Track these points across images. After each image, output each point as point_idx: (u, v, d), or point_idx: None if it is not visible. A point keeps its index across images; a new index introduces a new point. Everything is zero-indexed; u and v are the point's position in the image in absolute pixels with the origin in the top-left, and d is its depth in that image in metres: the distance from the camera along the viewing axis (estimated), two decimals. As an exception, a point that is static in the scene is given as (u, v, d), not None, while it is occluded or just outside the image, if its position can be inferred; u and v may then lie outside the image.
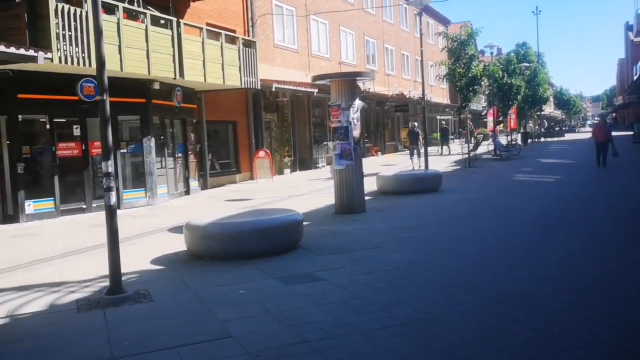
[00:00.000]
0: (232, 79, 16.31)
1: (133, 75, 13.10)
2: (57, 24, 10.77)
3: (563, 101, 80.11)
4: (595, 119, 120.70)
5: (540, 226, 8.94)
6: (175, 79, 14.11)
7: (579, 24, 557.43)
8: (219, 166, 19.83)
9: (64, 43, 10.90)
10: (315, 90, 21.77)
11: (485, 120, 50.14)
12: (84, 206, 13.10)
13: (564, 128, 73.80)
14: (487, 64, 26.47)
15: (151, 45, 13.10)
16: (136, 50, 12.74)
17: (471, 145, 23.30)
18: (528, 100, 38.64)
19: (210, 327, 4.87)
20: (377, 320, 4.76)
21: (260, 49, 20.23)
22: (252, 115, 20.86)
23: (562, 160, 24.00)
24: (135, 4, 13.85)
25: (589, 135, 29.61)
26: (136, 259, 7.96)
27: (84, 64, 11.30)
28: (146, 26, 13.04)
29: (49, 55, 10.30)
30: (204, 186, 17.88)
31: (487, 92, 34.86)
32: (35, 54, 9.93)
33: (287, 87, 20.72)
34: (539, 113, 49.34)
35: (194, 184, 16.96)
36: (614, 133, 19.69)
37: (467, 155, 22.40)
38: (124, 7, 12.57)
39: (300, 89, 21.54)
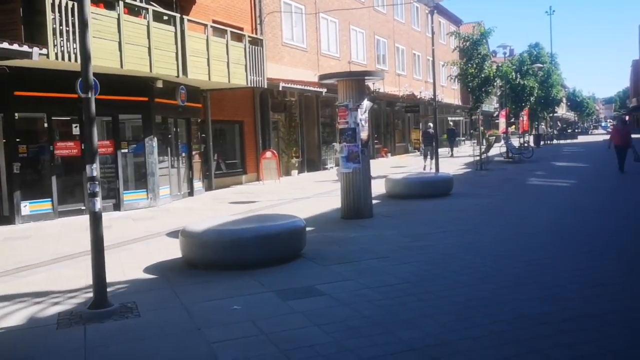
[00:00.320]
0: (238, 77, 15.87)
1: (134, 73, 12.70)
2: (54, 19, 10.37)
3: (576, 103, 79.19)
4: (608, 121, 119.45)
5: (558, 236, 8.41)
6: (178, 77, 13.68)
7: (592, 25, 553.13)
8: (225, 166, 19.42)
9: (61, 39, 10.50)
10: (324, 90, 21.29)
11: (497, 121, 49.46)
12: (83, 207, 12.68)
13: (576, 130, 72.79)
14: (500, 65, 25.85)
15: (153, 42, 12.68)
16: (137, 47, 12.32)
17: (483, 148, 22.70)
18: (541, 101, 37.98)
19: (197, 350, 4.41)
20: (381, 346, 4.27)
21: (268, 48, 19.81)
22: (259, 115, 20.43)
23: (576, 163, 23.37)
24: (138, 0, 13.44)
25: (604, 137, 28.93)
26: (129, 267, 7.55)
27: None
28: (148, 22, 12.62)
29: (44, 51, 9.89)
30: (209, 187, 17.46)
31: (499, 94, 34.24)
32: (30, 50, 9.53)
33: (295, 86, 20.25)
34: (551, 115, 48.63)
35: (198, 185, 16.55)
36: (633, 135, 18.86)
37: (478, 158, 21.82)
38: (125, 3, 12.16)
39: (309, 88, 21.06)
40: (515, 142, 30.37)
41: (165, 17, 13.54)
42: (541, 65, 35.49)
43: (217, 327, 4.92)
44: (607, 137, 25.07)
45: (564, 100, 68.73)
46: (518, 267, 6.57)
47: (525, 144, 29.81)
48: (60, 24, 10.51)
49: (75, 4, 10.79)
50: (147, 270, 7.30)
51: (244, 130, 19.88)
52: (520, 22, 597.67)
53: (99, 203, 5.49)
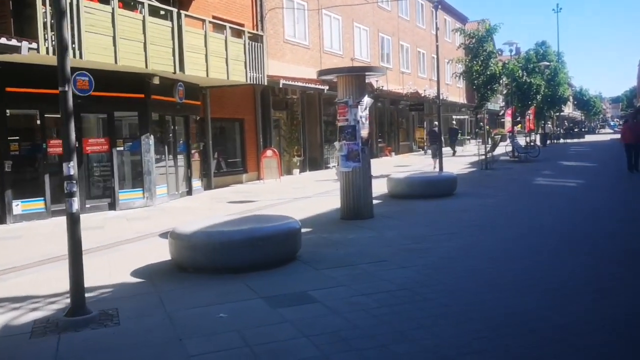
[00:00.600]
0: (237, 74, 15.55)
1: (130, 69, 12.39)
2: (45, 12, 10.07)
3: (583, 102, 78.46)
4: (615, 120, 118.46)
5: (567, 239, 8.03)
6: (175, 73, 13.36)
7: (599, 23, 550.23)
8: (226, 165, 19.10)
9: (52, 33, 10.17)
10: (326, 88, 20.90)
11: (502, 120, 49.00)
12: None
13: (583, 129, 72.08)
14: (506, 62, 25.42)
15: (149, 37, 12.36)
16: (132, 42, 12.01)
17: (488, 147, 22.27)
18: (547, 100, 37.51)
19: (174, 364, 4.09)
20: (374, 362, 3.93)
21: (269, 45, 19.50)
22: (260, 113, 20.08)
23: (584, 163, 22.91)
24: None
25: (611, 137, 28.44)
26: (116, 269, 7.23)
27: (74, 56, 10.60)
28: (144, 17, 12.30)
29: (33, 45, 9.59)
30: (208, 186, 17.14)
31: (504, 92, 33.80)
32: (18, 44, 9.23)
33: (296, 83, 19.88)
34: (558, 114, 48.12)
35: (196, 184, 16.23)
36: None
37: (483, 157, 21.41)
38: (120, -3, 11.86)
39: (310, 85, 20.67)
40: (522, 141, 29.91)
41: (162, 12, 13.23)
42: (548, 63, 35.03)
43: (199, 337, 4.58)
44: (616, 136, 24.58)
45: (571, 99, 68.02)
46: (523, 273, 6.20)
47: (532, 143, 29.35)
48: (52, 18, 10.19)
49: (67, -3, 10.51)
50: (135, 273, 6.98)
51: (245, 128, 19.55)
52: (526, 20, 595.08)
53: (76, 204, 5.18)
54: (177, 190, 15.06)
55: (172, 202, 14.36)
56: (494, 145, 24.36)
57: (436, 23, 18.72)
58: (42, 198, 11.86)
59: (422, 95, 33.99)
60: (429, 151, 25.69)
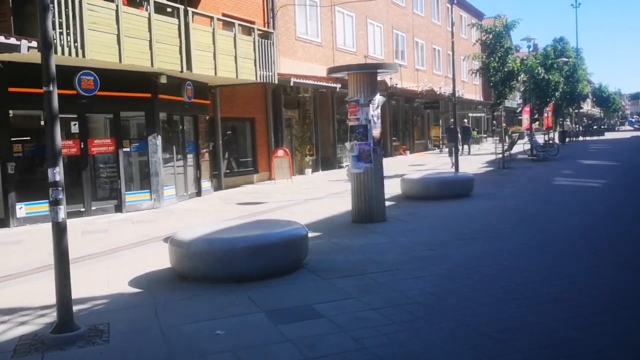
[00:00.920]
0: (247, 72, 15.16)
1: (135, 68, 12.05)
2: (46, 10, 9.74)
3: (602, 99, 76.95)
4: (634, 117, 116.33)
5: (593, 246, 7.54)
6: (182, 72, 13.00)
7: (618, 19, 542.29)
8: (237, 165, 18.76)
9: (54, 31, 9.87)
10: (338, 86, 20.44)
11: (519, 117, 48.14)
12: (83, 209, 12.13)
13: (602, 126, 70.69)
14: (525, 58, 24.74)
15: (155, 35, 12.01)
16: (138, 40, 11.65)
17: (505, 145, 21.66)
18: (566, 97, 36.66)
19: (161, 391, 3.71)
20: (382, 391, 3.52)
21: (281, 42, 19.11)
22: (271, 112, 19.70)
23: (605, 162, 22.22)
24: (140, -10, 12.81)
25: (632, 134, 27.65)
26: (115, 278, 6.89)
27: (77, 55, 10.29)
28: (149, 14, 11.96)
29: (33, 44, 9.26)
30: (219, 187, 16.80)
31: (522, 89, 33.04)
32: (17, 43, 8.92)
33: (307, 81, 19.46)
34: (577, 111, 47.15)
35: (206, 184, 15.89)
36: None
37: (500, 156, 20.82)
38: (124, -7, 11.53)
39: (322, 83, 20.23)
40: (540, 139, 29.20)
41: (169, 9, 12.88)
42: (566, 60, 34.20)
43: (191, 356, 4.20)
44: (637, 133, 23.85)
45: (590, 96, 66.72)
46: (550, 284, 5.73)
47: (550, 141, 28.63)
48: (54, 16, 9.89)
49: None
50: (133, 282, 6.62)
51: (256, 127, 19.17)
52: (544, 15, 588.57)
53: (62, 212, 4.85)
54: (185, 192, 14.73)
55: (181, 203, 14.04)
56: (512, 144, 23.74)
57: (452, 18, 18.18)
58: (47, 201, 11.46)
59: (438, 92, 33.40)
60: (446, 149, 25.15)
